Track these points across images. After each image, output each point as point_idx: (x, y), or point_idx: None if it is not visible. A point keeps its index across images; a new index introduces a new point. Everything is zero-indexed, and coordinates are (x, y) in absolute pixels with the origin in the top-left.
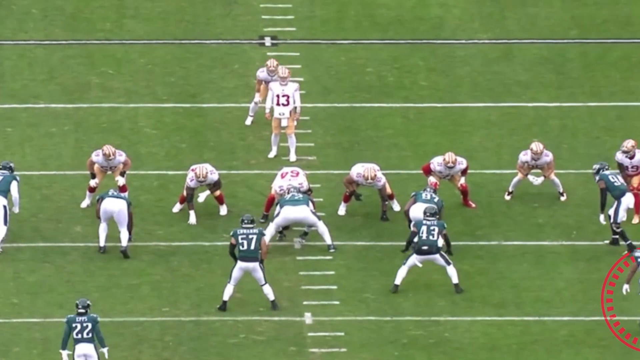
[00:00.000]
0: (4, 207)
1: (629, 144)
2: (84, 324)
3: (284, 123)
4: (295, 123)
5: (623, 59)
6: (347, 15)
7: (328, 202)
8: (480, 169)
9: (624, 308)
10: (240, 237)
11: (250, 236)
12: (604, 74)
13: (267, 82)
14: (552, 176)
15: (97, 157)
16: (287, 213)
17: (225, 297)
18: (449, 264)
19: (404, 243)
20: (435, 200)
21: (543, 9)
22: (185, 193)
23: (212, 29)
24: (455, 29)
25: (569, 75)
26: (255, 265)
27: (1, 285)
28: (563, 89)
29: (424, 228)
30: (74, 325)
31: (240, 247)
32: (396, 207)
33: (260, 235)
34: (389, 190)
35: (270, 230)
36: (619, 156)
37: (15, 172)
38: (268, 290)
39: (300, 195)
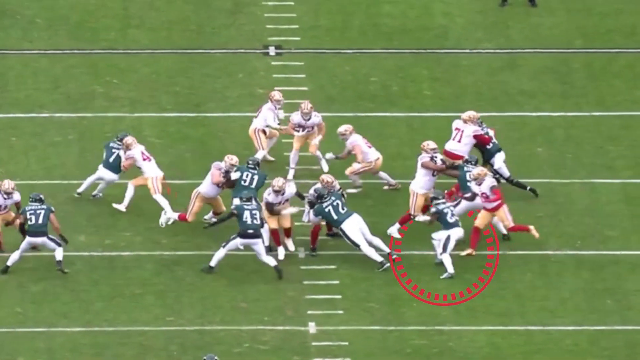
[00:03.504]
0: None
1: None
2: None
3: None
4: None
5: (627, 68)
6: (352, 24)
7: None
8: None
9: (628, 317)
10: (28, 213)
11: (38, 211)
12: (608, 83)
13: (300, 126)
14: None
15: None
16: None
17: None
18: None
19: (413, 253)
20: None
21: (547, 18)
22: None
23: (216, 38)
24: (459, 39)
25: (574, 85)
26: (44, 239)
27: (5, 295)
28: (567, 99)
29: (247, 213)
30: None
31: (29, 222)
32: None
33: (49, 211)
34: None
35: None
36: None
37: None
38: (59, 254)
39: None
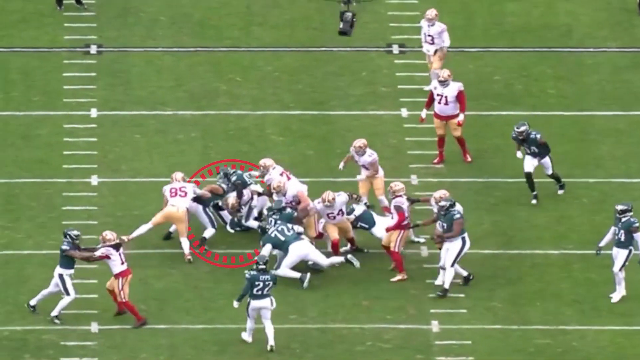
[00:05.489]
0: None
1: None
2: (267, 282)
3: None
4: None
5: None
6: (475, 23)
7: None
8: (608, 178)
9: None
10: None
11: None
12: None
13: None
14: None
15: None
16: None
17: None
18: None
19: (536, 252)
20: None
21: None
22: None
23: (339, 36)
24: (583, 37)
25: None
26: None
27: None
28: None
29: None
30: (256, 282)
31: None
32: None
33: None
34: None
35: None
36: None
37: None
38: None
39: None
